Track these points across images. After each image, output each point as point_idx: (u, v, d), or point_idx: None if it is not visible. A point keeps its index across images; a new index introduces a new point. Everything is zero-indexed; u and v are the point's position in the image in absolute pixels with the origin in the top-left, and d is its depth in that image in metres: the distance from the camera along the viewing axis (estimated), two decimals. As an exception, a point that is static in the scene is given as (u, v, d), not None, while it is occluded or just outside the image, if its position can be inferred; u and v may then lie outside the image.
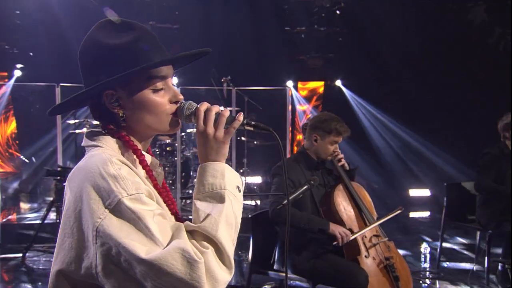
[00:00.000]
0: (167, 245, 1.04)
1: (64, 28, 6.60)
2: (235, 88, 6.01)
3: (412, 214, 6.94)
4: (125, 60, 1.15)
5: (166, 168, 6.25)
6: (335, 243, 2.84)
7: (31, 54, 7.86)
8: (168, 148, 6.38)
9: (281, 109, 6.25)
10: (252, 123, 1.24)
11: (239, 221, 1.17)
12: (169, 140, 6.41)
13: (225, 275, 1.08)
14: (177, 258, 1.01)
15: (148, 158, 1.24)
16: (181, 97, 1.24)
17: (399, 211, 3.08)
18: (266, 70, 8.30)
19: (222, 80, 6.17)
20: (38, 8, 7.20)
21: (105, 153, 1.12)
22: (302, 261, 2.98)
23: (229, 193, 1.15)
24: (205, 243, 1.08)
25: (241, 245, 5.37)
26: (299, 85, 9.05)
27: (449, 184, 4.46)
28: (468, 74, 7.68)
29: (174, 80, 6.74)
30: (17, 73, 7.26)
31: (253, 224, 3.22)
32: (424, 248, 4.60)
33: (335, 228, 2.85)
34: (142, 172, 1.20)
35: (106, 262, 1.04)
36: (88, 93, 1.18)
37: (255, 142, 7.92)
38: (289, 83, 7.10)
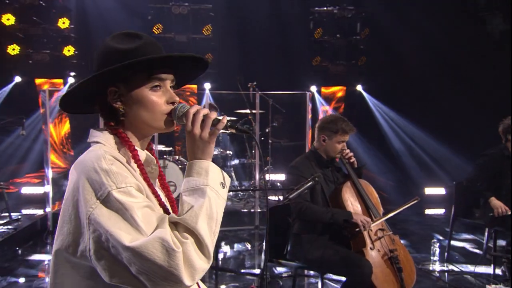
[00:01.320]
0: (151, 234, 1.06)
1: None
2: (260, 92, 6.03)
3: (428, 211, 6.77)
4: (127, 60, 1.17)
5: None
6: (357, 229, 2.83)
7: (83, 63, 8.15)
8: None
9: (303, 112, 6.23)
10: (237, 125, 1.25)
11: (221, 214, 1.18)
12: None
13: (203, 264, 1.09)
14: (157, 247, 1.03)
15: (143, 154, 1.26)
16: (177, 99, 1.25)
17: (415, 201, 3.02)
18: (292, 76, 8.29)
19: (249, 85, 6.19)
20: (86, 23, 7.51)
21: (101, 149, 1.15)
22: (312, 252, 2.96)
23: (211, 189, 1.16)
24: (185, 234, 1.09)
25: (262, 236, 5.39)
26: (322, 89, 8.97)
27: (458, 182, 4.34)
28: (484, 76, 7.40)
29: (206, 85, 6.83)
30: (71, 80, 7.52)
31: (269, 217, 3.21)
32: (434, 242, 4.49)
33: (357, 217, 2.86)
34: (135, 166, 1.22)
35: (98, 247, 1.07)
36: (89, 81, 1.19)
37: (280, 142, 7.91)
38: (313, 88, 7.09)
